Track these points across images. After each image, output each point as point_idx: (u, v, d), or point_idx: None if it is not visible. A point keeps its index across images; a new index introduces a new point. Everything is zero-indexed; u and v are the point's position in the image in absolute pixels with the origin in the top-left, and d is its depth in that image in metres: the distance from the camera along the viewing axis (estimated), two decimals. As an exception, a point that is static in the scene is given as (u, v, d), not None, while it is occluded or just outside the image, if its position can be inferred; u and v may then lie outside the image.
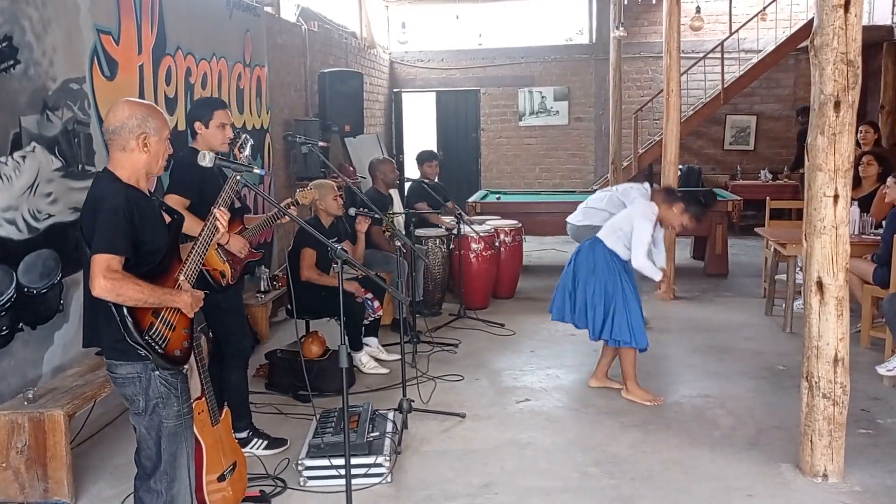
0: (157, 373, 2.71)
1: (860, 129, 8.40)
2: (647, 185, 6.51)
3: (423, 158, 7.50)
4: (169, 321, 2.70)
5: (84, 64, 4.36)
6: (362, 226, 5.48)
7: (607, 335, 4.77)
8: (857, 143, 8.10)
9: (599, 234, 4.91)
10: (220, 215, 2.92)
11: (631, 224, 4.76)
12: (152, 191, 2.92)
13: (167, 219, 2.84)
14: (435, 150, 11.65)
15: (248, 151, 3.17)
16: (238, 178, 3.05)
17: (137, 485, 2.86)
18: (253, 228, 4.12)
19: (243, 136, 4.39)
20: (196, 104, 4.22)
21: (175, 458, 2.80)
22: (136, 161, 2.69)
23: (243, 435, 4.12)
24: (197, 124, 3.95)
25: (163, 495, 2.80)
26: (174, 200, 3.73)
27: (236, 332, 4.13)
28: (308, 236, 3.80)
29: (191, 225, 3.68)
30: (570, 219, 6.77)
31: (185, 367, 2.85)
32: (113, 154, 2.70)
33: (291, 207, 4.25)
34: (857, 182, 6.90)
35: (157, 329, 2.65)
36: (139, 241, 2.62)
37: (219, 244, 3.88)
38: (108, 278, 2.49)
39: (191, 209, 3.75)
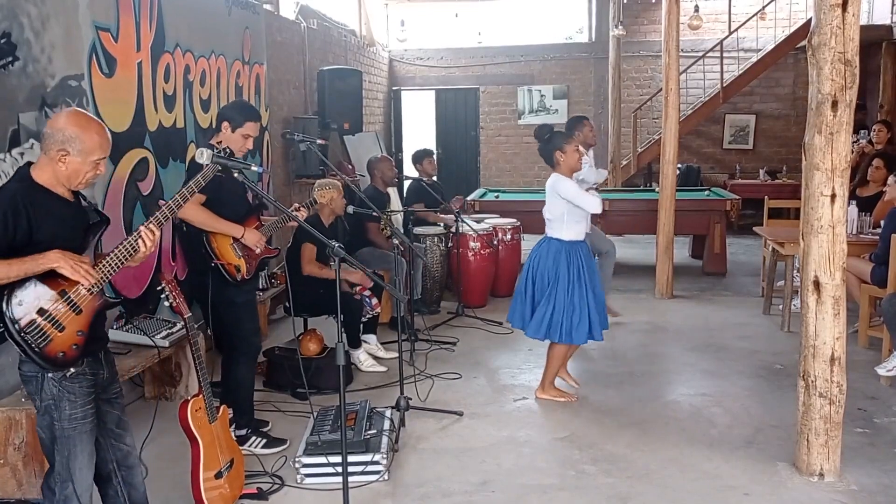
0: (49, 375, 2.67)
1: (874, 127, 8.42)
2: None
3: (421, 156, 7.39)
4: (57, 321, 2.61)
5: (83, 61, 4.35)
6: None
7: (528, 329, 4.78)
8: (870, 142, 8.12)
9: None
10: (146, 235, 2.74)
11: (552, 209, 4.69)
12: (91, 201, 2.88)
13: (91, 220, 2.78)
14: (434, 148, 11.62)
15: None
16: (209, 172, 3.03)
17: (44, 479, 2.89)
18: (269, 226, 4.18)
19: None
20: (233, 106, 4.25)
21: (68, 461, 2.74)
22: (56, 169, 2.65)
23: (242, 432, 4.13)
24: (225, 124, 4.01)
25: (56, 495, 2.78)
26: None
27: (248, 327, 4.15)
28: (306, 232, 3.82)
29: (203, 219, 3.86)
30: None
31: (91, 370, 2.76)
32: (41, 153, 2.70)
33: (301, 210, 4.33)
34: (864, 181, 6.92)
35: (38, 326, 2.58)
36: (30, 240, 2.56)
37: (234, 238, 3.94)
38: None
39: (207, 205, 3.85)
